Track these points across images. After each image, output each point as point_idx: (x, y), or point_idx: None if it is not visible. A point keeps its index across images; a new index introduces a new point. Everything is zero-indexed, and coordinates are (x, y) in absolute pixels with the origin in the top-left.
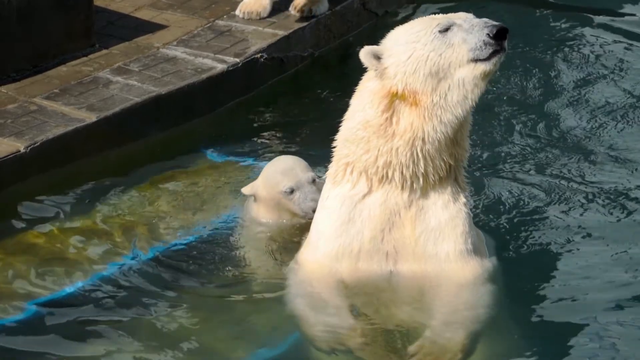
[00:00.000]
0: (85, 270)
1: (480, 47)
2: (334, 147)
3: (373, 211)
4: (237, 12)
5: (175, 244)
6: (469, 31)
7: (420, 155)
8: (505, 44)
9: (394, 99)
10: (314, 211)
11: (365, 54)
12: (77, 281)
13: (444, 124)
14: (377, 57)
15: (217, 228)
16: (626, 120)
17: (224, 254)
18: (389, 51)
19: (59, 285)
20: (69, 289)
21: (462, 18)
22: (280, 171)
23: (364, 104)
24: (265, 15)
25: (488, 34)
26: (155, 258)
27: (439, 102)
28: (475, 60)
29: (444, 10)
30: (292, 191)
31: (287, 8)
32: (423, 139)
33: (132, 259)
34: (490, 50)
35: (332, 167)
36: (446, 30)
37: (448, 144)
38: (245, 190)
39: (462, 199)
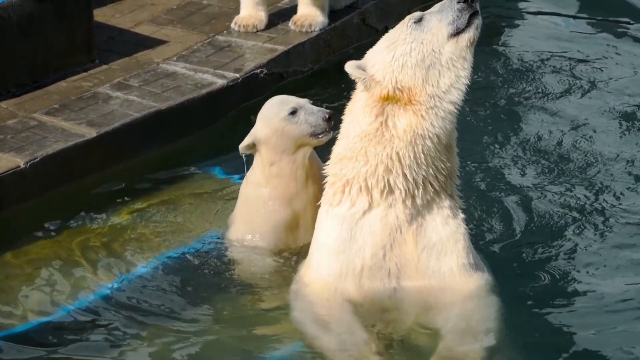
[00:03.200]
0: (79, 287)
1: (457, 16)
2: (326, 173)
3: (374, 227)
4: (232, 25)
5: (169, 258)
6: (441, 11)
7: (422, 155)
8: (477, 5)
9: (386, 103)
10: (324, 120)
11: (350, 66)
12: (74, 297)
13: (440, 118)
14: (362, 70)
15: (208, 246)
16: (623, 131)
17: (216, 273)
18: (372, 61)
19: (52, 305)
20: (64, 308)
21: (430, 9)
22: (277, 102)
23: (357, 118)
24: (262, 27)
25: (458, 1)
26: (151, 275)
27: (433, 92)
28: (457, 33)
29: None
30: (295, 112)
31: (287, 20)
32: (423, 136)
33: (127, 276)
34: (467, 15)
35: (328, 191)
36: (420, 20)
37: (444, 144)
38: (243, 144)
39: (461, 215)
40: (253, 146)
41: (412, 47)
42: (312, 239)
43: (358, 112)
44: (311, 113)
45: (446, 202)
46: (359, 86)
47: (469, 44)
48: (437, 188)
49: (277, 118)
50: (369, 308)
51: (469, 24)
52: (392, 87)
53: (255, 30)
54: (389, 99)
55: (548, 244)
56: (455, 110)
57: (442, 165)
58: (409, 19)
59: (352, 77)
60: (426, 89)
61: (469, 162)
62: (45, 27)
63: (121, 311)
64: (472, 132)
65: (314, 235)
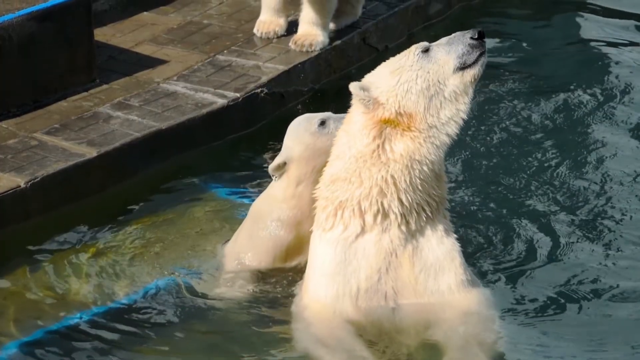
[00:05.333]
0: (79, 307)
1: (468, 51)
2: (318, 197)
3: (368, 250)
4: (255, 30)
5: (170, 281)
6: (450, 43)
7: (418, 180)
8: (485, 45)
9: (385, 126)
10: None
11: (355, 86)
12: (69, 317)
13: (436, 146)
14: (366, 91)
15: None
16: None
17: (215, 298)
18: (375, 83)
19: (47, 324)
20: (59, 327)
21: (437, 41)
22: (303, 119)
23: (353, 139)
24: (282, 33)
25: (471, 37)
26: (151, 296)
27: (433, 122)
28: (463, 67)
29: None
30: (324, 123)
31: (287, 39)
32: (420, 162)
33: (130, 296)
34: (478, 53)
35: (320, 215)
36: (427, 50)
37: (436, 172)
38: (274, 164)
39: (454, 235)
40: (283, 166)
41: (418, 75)
42: (307, 263)
43: (355, 133)
44: (340, 119)
45: (439, 225)
46: (358, 108)
47: (473, 80)
48: (429, 214)
49: (307, 133)
50: (369, 328)
51: (475, 61)
52: (394, 111)
53: (275, 36)
54: (388, 122)
55: (546, 260)
56: (450, 142)
57: (434, 192)
58: (416, 48)
59: (356, 98)
60: (426, 118)
61: (465, 181)
62: (45, 47)
63: (114, 334)
64: (468, 151)
65: (308, 259)
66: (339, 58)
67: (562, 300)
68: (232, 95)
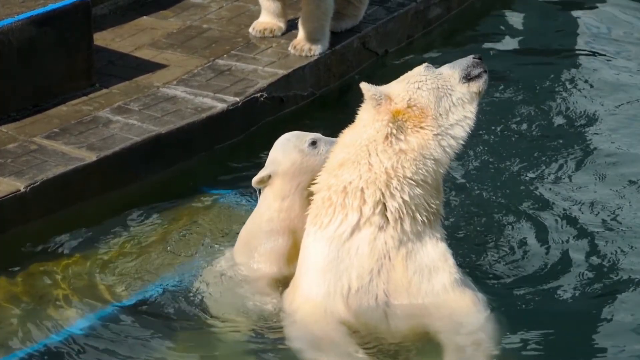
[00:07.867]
0: (79, 313)
1: (473, 65)
2: (317, 189)
3: (361, 249)
4: (250, 29)
5: (166, 286)
6: (455, 62)
7: (421, 176)
8: (486, 66)
9: (398, 116)
10: None
11: (366, 84)
12: (68, 324)
13: (443, 147)
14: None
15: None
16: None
17: (212, 300)
18: (386, 86)
19: (49, 330)
20: (60, 333)
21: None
22: (293, 136)
23: (363, 128)
24: (279, 34)
25: (474, 57)
26: (149, 302)
27: (442, 122)
28: (468, 78)
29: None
30: (315, 143)
31: (287, 44)
32: (426, 156)
33: (130, 301)
34: (481, 69)
35: (318, 210)
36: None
37: (438, 178)
38: (258, 177)
39: (446, 241)
40: (267, 179)
41: (427, 78)
42: (299, 262)
43: (367, 124)
44: (331, 142)
45: (434, 232)
46: (368, 107)
47: (478, 91)
48: (425, 220)
49: (296, 150)
50: (363, 330)
51: (479, 75)
52: (406, 103)
53: (271, 35)
54: (400, 114)
55: (541, 264)
56: (457, 146)
57: (432, 201)
58: (421, 66)
59: (367, 94)
60: (436, 117)
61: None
62: (45, 51)
63: (120, 339)
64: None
65: (300, 257)
66: (338, 62)
67: (558, 302)
68: (232, 99)
